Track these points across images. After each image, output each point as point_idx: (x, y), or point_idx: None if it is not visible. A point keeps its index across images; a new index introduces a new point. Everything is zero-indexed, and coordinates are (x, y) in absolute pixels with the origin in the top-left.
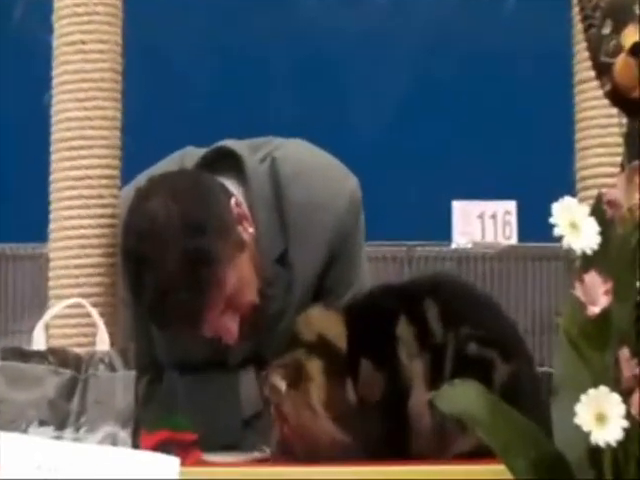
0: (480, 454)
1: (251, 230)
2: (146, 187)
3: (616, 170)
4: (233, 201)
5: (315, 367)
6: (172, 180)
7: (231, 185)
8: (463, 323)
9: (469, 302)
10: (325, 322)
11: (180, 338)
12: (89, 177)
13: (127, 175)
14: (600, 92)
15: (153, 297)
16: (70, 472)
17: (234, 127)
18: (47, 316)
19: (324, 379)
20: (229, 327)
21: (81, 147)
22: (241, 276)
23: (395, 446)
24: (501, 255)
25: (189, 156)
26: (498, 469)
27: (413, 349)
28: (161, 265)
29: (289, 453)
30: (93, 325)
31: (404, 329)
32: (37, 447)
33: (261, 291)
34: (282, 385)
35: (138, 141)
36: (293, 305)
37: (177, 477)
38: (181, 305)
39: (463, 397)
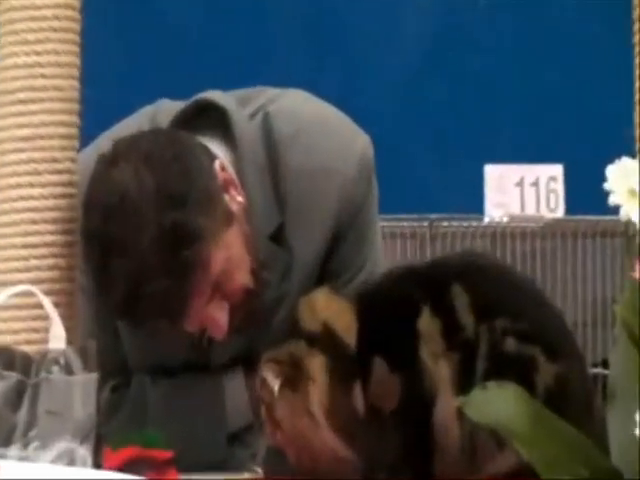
0: (520, 475)
1: (240, 199)
2: (111, 152)
3: None
4: (217, 164)
5: (317, 364)
6: (143, 142)
7: (215, 147)
8: (499, 314)
9: (506, 288)
10: (332, 309)
11: (154, 335)
12: (40, 137)
13: (87, 135)
14: None
15: (124, 288)
16: None
17: (225, 82)
18: None
19: (327, 380)
20: (217, 318)
21: (30, 100)
22: (230, 255)
23: (414, 466)
24: (544, 231)
25: (163, 111)
26: None
27: (438, 347)
28: (133, 248)
29: (281, 464)
30: (46, 318)
31: (427, 322)
32: None
33: (255, 273)
34: (275, 383)
35: (102, 94)
36: (291, 293)
37: None
38: (159, 296)
39: (498, 403)
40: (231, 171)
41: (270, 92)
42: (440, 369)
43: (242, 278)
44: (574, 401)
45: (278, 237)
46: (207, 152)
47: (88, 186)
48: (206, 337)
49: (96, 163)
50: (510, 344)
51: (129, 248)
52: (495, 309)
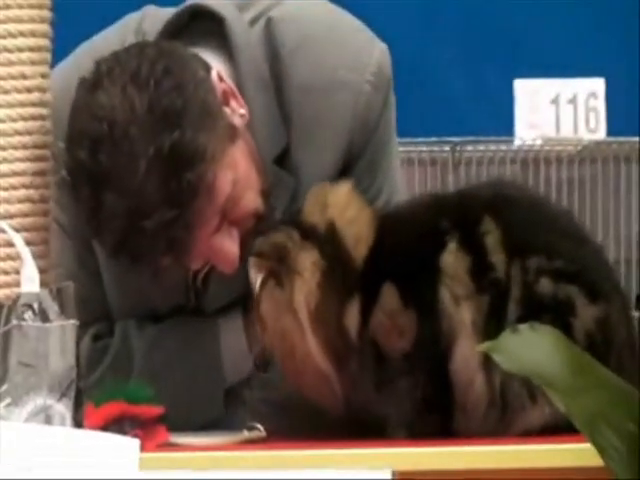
0: (556, 430)
1: (243, 111)
2: (94, 74)
3: None
4: (214, 75)
5: (308, 259)
6: (128, 58)
7: (210, 58)
8: (533, 252)
9: (541, 223)
10: (347, 212)
11: (155, 276)
12: (6, 49)
13: (61, 47)
14: None
15: (122, 225)
16: None
17: None
18: None
19: (318, 280)
20: (227, 249)
21: None
22: (237, 176)
23: (431, 421)
24: (583, 155)
25: (149, 20)
26: (581, 449)
27: (462, 288)
28: (128, 179)
29: (268, 365)
30: (16, 257)
31: (453, 259)
32: None
33: (265, 194)
34: (257, 277)
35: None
36: None
37: (136, 465)
38: (162, 229)
39: (532, 348)
40: (230, 82)
41: None
42: (462, 312)
43: (252, 201)
44: (618, 347)
45: (283, 160)
46: (202, 63)
47: (70, 116)
48: (201, 276)
49: (77, 88)
50: (545, 285)
51: (124, 180)
52: (529, 246)
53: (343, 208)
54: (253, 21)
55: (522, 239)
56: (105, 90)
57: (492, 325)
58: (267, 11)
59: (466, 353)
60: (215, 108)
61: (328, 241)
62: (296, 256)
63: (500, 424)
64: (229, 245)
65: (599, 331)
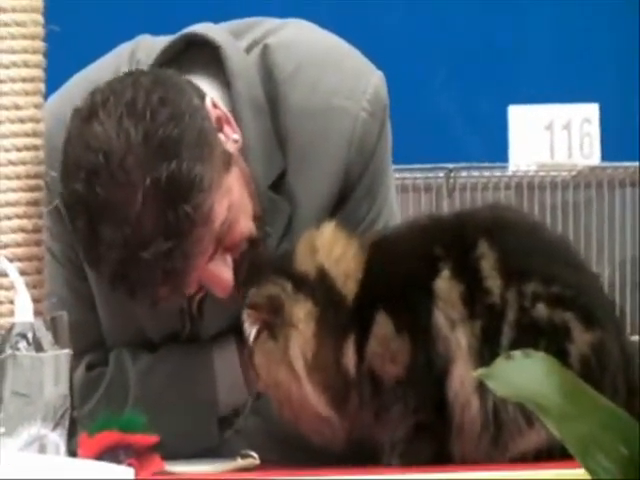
0: (551, 453)
1: (236, 137)
2: (88, 104)
3: None
4: (209, 102)
5: (302, 311)
6: (122, 87)
7: (206, 86)
8: (529, 276)
9: (538, 248)
10: (335, 252)
11: (152, 307)
12: (1, 80)
13: (55, 78)
14: None
15: (119, 257)
16: None
17: (213, 14)
18: None
19: (313, 330)
20: (222, 276)
21: None
22: (231, 202)
23: (427, 447)
24: (577, 180)
25: (143, 49)
26: (574, 474)
27: (456, 312)
28: (125, 210)
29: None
30: (10, 287)
31: (446, 284)
32: None
33: (258, 219)
34: (252, 329)
35: (71, 29)
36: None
37: None
38: (159, 261)
39: (526, 374)
40: (225, 108)
41: (269, 23)
42: (457, 337)
43: (245, 226)
44: (612, 373)
45: (279, 186)
46: (196, 90)
47: (65, 147)
48: (196, 302)
49: (71, 119)
50: (541, 310)
51: (121, 211)
52: (525, 271)
53: (330, 248)
54: (249, 48)
55: (518, 264)
56: (100, 121)
57: (487, 349)
58: (263, 38)
59: (463, 375)
60: (211, 136)
61: (320, 287)
62: (290, 308)
63: (495, 447)
64: (223, 271)
65: (594, 357)
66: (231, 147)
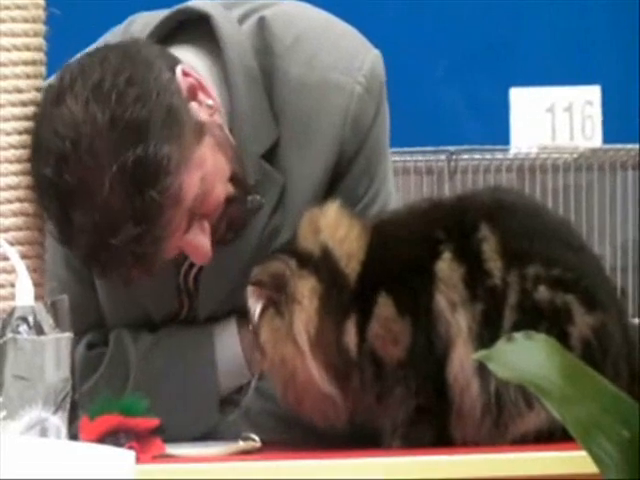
0: (551, 435)
1: (210, 102)
2: (58, 82)
3: None
4: (179, 71)
5: (307, 287)
6: (92, 67)
7: (198, 59)
8: (531, 259)
9: (539, 230)
10: (338, 232)
11: (126, 285)
12: (1, 63)
13: (55, 61)
14: None
15: (89, 242)
16: None
17: None
18: None
19: (316, 307)
20: (199, 243)
21: None
22: (205, 174)
23: (425, 428)
24: (579, 163)
25: (139, 25)
26: (575, 457)
27: (457, 295)
28: (93, 196)
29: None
30: (11, 271)
31: (448, 266)
32: None
33: (235, 178)
34: (257, 307)
35: (71, 12)
36: (286, 226)
37: (132, 476)
38: (129, 245)
39: (527, 356)
40: (209, 74)
41: None
42: (458, 319)
43: (221, 191)
44: (614, 355)
45: (271, 157)
46: (168, 59)
47: (35, 128)
48: (192, 278)
49: (43, 97)
50: (542, 293)
51: (89, 197)
52: (527, 254)
53: (334, 229)
54: (242, 18)
55: (520, 246)
56: (67, 105)
57: (488, 332)
58: (258, 10)
59: (463, 358)
60: (180, 112)
61: (323, 265)
62: (295, 285)
63: (496, 429)
64: (200, 239)
65: (596, 339)
66: (204, 114)
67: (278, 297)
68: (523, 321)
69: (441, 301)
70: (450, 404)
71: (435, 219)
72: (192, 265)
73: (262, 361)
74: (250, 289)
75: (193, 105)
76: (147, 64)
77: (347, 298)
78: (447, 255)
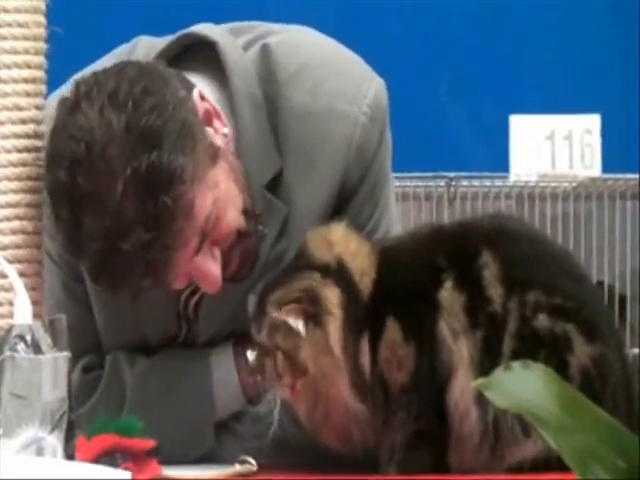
0: (547, 464)
1: (226, 130)
2: (73, 94)
3: None
4: (196, 94)
5: (334, 297)
6: (107, 79)
7: (203, 83)
8: (531, 286)
9: (540, 258)
10: (349, 248)
11: (135, 300)
12: (1, 81)
13: (55, 79)
14: None
15: (99, 247)
16: None
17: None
18: None
19: (342, 317)
20: (209, 270)
21: None
22: (217, 196)
23: (423, 454)
24: (578, 191)
25: (142, 49)
26: None
27: (459, 323)
28: (105, 200)
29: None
30: (9, 289)
31: (449, 295)
32: None
33: (247, 212)
34: (299, 324)
35: (72, 31)
36: (289, 253)
37: None
38: (139, 252)
39: (524, 386)
40: (215, 101)
41: (269, 25)
42: (460, 348)
43: (233, 220)
44: (613, 386)
45: (275, 186)
46: (184, 82)
47: (50, 136)
48: (192, 304)
49: (57, 108)
50: (543, 320)
51: (102, 201)
52: (527, 281)
53: (345, 243)
54: (247, 46)
55: (521, 273)
56: (83, 112)
57: (488, 359)
58: (262, 37)
59: (463, 385)
60: (195, 129)
61: (341, 276)
62: (325, 295)
63: (493, 457)
64: (211, 266)
65: (595, 370)
66: (220, 141)
67: (314, 310)
68: (522, 348)
69: (444, 328)
70: (449, 430)
71: (437, 246)
72: (193, 292)
73: (294, 382)
74: (288, 308)
75: (209, 130)
76: (164, 79)
77: (362, 313)
78: (449, 284)
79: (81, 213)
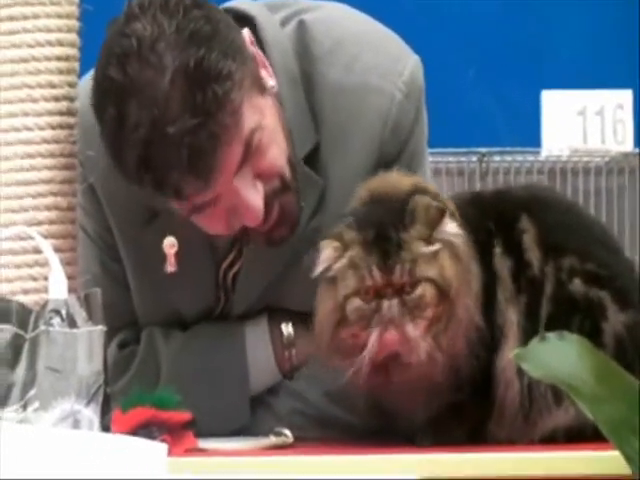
0: (582, 433)
1: (272, 83)
2: (126, 9)
3: None
4: (246, 34)
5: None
6: None
7: None
8: (566, 251)
9: (574, 225)
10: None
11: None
12: (34, 59)
13: (89, 57)
14: None
15: (145, 137)
16: (9, 468)
17: None
18: None
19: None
20: (251, 198)
21: (23, 17)
22: (264, 124)
23: (463, 424)
24: (610, 166)
25: None
26: (608, 457)
27: (508, 290)
28: (154, 89)
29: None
30: (45, 264)
31: (500, 261)
32: None
33: (292, 164)
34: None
35: (106, 8)
36: (325, 228)
37: (165, 470)
38: (186, 136)
39: (559, 357)
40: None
41: (306, 2)
42: (510, 314)
43: (277, 158)
44: None
45: (312, 161)
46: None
47: (103, 45)
48: (231, 276)
49: (109, 25)
50: (578, 285)
51: (149, 90)
52: (562, 246)
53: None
54: (284, 22)
55: (556, 239)
56: (136, 18)
57: (530, 324)
58: (298, 14)
59: (509, 355)
60: (245, 52)
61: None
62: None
63: (526, 425)
64: (253, 194)
65: (628, 337)
66: (268, 84)
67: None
68: (558, 313)
69: (500, 294)
70: (493, 400)
71: (483, 210)
72: (232, 264)
73: (439, 308)
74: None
75: (259, 69)
76: (216, 8)
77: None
78: (498, 250)
79: (128, 105)
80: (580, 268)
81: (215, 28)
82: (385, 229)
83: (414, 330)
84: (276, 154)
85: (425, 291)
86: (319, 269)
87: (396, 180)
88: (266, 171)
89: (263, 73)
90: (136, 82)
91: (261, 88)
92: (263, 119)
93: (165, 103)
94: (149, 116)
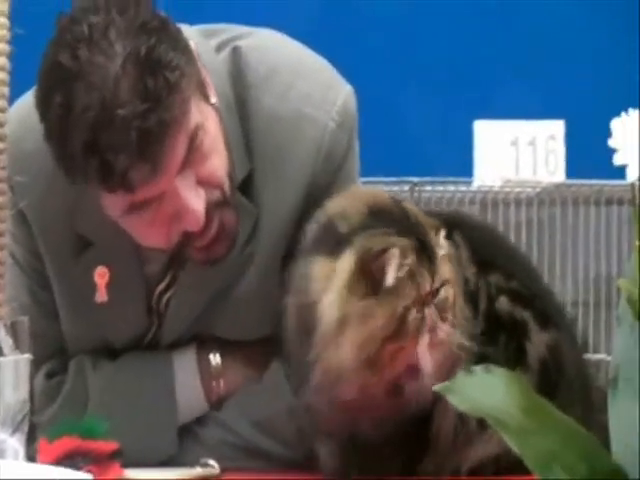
0: (505, 464)
1: (214, 100)
2: (71, 10)
3: None
4: (194, 45)
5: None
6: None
7: None
8: (493, 269)
9: (499, 245)
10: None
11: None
12: None
13: (20, 82)
14: None
15: (94, 119)
16: None
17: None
18: None
19: None
20: (192, 201)
21: None
22: (207, 128)
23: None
24: (542, 197)
25: None
26: None
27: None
28: (104, 74)
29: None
30: None
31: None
32: None
33: (231, 178)
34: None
35: (37, 32)
36: (257, 256)
37: None
38: (135, 120)
39: (486, 389)
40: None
41: (240, 28)
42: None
43: (218, 168)
44: (568, 376)
45: (245, 189)
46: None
47: (52, 39)
48: (164, 301)
49: (58, 18)
50: (504, 303)
51: (100, 74)
52: (489, 263)
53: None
54: (218, 48)
55: (484, 255)
56: (87, 10)
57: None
58: (233, 40)
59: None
60: (194, 57)
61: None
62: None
63: (456, 453)
64: (195, 197)
65: (551, 357)
66: (212, 99)
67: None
68: (488, 330)
69: None
70: (430, 430)
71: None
72: (167, 288)
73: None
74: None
75: (205, 81)
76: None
77: None
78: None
79: (77, 90)
80: (505, 286)
81: (164, 23)
82: (420, 235)
83: (449, 329)
84: (217, 164)
85: (447, 292)
86: (390, 278)
87: (373, 192)
88: (208, 178)
89: (209, 90)
90: (86, 67)
91: (205, 96)
92: (206, 122)
93: (116, 87)
94: (99, 98)
